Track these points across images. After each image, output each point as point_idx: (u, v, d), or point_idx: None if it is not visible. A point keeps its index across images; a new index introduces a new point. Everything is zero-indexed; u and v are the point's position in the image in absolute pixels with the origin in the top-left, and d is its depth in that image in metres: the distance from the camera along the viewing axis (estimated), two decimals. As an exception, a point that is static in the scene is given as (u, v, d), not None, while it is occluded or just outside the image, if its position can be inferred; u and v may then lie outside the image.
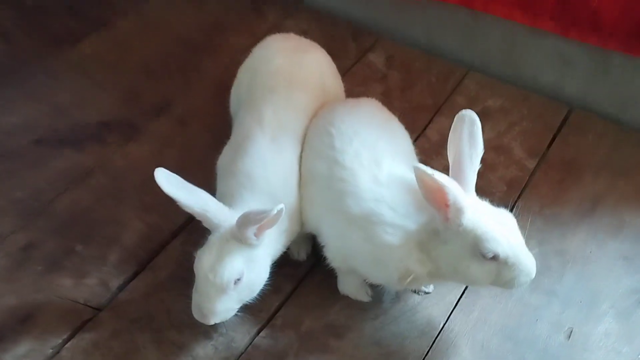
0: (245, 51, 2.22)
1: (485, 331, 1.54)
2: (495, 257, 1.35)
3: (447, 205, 1.34)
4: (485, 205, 1.41)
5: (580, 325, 1.55)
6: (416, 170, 1.33)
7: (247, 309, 1.57)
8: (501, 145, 1.96)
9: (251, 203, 1.48)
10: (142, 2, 2.46)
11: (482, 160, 1.87)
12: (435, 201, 1.35)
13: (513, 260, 1.36)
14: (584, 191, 1.84)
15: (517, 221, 1.73)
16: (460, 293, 1.61)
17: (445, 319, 1.56)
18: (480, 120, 1.99)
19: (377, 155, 1.50)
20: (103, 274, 1.65)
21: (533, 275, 1.38)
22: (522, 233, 1.42)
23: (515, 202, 1.81)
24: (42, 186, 1.85)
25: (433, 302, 1.60)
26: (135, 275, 1.65)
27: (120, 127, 2.02)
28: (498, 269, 1.36)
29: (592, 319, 1.57)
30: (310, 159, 1.58)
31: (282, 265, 1.66)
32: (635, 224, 1.75)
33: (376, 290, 1.61)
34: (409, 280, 1.43)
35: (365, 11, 2.37)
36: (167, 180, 1.44)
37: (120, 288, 1.62)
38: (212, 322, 1.43)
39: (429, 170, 1.32)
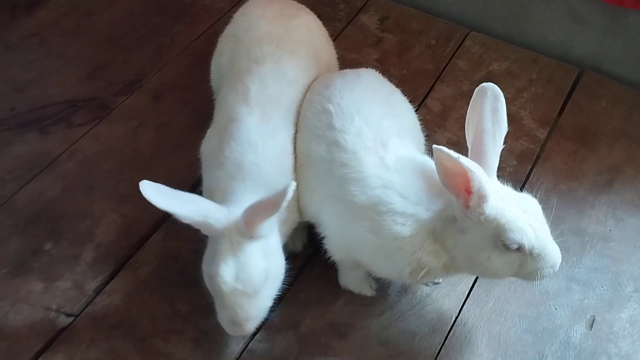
0: (224, 15, 2.02)
1: (502, 323, 1.42)
2: (520, 249, 1.21)
3: (468, 192, 1.18)
4: (508, 191, 1.26)
5: (603, 313, 1.44)
6: (437, 153, 1.16)
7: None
8: (509, 114, 1.71)
9: (245, 195, 1.30)
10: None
11: (489, 132, 1.75)
12: (455, 187, 1.20)
13: (539, 252, 1.22)
14: (601, 162, 1.70)
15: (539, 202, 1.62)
16: (472, 282, 1.48)
17: (458, 312, 1.43)
18: (486, 86, 1.88)
19: (382, 135, 1.33)
20: (77, 276, 1.48)
21: (558, 266, 1.25)
22: (546, 219, 1.27)
23: (527, 177, 1.67)
24: (1, 176, 1.65)
25: (443, 294, 1.46)
26: (113, 275, 1.48)
27: (88, 106, 1.81)
28: (522, 260, 1.23)
29: (615, 304, 1.45)
30: (307, 141, 1.40)
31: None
32: (656, 197, 1.63)
33: (381, 283, 1.47)
34: (422, 274, 1.29)
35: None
36: (156, 193, 1.23)
37: (97, 291, 1.46)
38: (251, 330, 1.28)
39: (452, 153, 1.16)
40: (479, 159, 1.24)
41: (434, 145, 1.18)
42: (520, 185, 1.65)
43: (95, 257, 1.51)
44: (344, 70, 1.52)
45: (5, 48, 1.93)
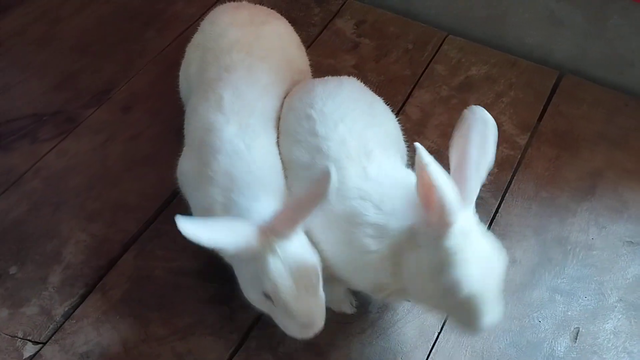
0: (195, 22, 1.97)
1: (485, 338, 1.39)
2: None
3: (433, 207, 1.13)
4: (479, 232, 1.16)
5: (587, 324, 1.41)
6: (417, 155, 1.10)
7: (217, 331, 1.38)
8: (489, 120, 1.76)
9: (250, 204, 1.24)
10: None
11: (469, 139, 1.72)
12: (425, 197, 1.13)
13: (478, 301, 1.12)
14: (582, 168, 1.67)
15: (512, 209, 1.59)
16: (455, 296, 1.44)
17: (440, 328, 1.40)
18: (465, 91, 1.84)
19: (366, 145, 1.29)
20: (44, 300, 1.42)
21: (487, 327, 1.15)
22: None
23: (509, 185, 1.63)
24: (-37, 196, 1.58)
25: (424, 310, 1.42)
26: (82, 298, 1.42)
27: (54, 120, 1.74)
28: (457, 303, 1.14)
29: (599, 315, 1.43)
30: (288, 146, 1.35)
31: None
32: (636, 204, 1.61)
33: (361, 299, 1.43)
34: (384, 294, 1.25)
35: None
36: (197, 229, 1.14)
37: (66, 316, 1.40)
38: (322, 326, 1.20)
39: (425, 156, 1.09)
40: (458, 184, 1.15)
41: (416, 144, 1.11)
42: (502, 193, 1.62)
43: (63, 280, 1.45)
44: (325, 78, 1.48)
45: (-31, 60, 1.86)
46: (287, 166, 1.35)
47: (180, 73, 1.60)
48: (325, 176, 1.12)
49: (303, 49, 1.64)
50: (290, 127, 1.37)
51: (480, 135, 1.17)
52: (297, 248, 1.19)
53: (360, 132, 1.31)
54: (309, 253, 1.21)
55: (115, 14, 2.02)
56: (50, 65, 1.88)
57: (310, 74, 1.63)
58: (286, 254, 1.17)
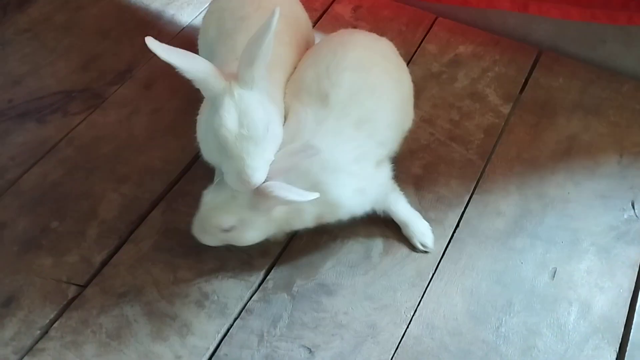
0: (204, 9, 2.14)
1: (474, 277, 1.57)
2: None
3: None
4: (251, 101, 1.35)
5: (563, 265, 1.60)
6: None
7: (238, 275, 1.56)
8: (476, 92, 1.96)
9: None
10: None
11: (459, 109, 1.91)
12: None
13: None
14: (559, 133, 1.86)
15: (497, 169, 1.78)
16: (447, 242, 1.63)
17: (434, 269, 1.58)
18: (454, 67, 2.04)
19: (352, 110, 1.49)
20: (83, 250, 1.59)
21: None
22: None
23: (494, 149, 1.82)
24: (5, 163, 1.75)
25: (421, 254, 1.61)
26: (117, 249, 1.60)
27: (82, 96, 1.92)
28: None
29: (574, 257, 1.61)
30: (305, 67, 1.56)
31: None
32: (608, 163, 1.79)
33: (365, 245, 1.61)
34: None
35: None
36: (161, 47, 1.30)
37: (104, 263, 1.57)
38: (258, 181, 1.32)
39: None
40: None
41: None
42: (488, 156, 1.81)
43: (99, 233, 1.62)
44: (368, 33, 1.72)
45: (1, 44, 2.02)
46: (295, 84, 1.53)
47: (199, 42, 1.73)
48: (270, 18, 1.28)
49: (306, 14, 1.78)
50: (319, 56, 1.56)
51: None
52: (254, 100, 1.32)
53: (372, 109, 1.51)
54: (264, 110, 1.34)
55: (132, 2, 2.20)
56: (75, 48, 2.05)
57: (314, 38, 1.79)
58: (242, 99, 1.31)
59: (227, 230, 1.44)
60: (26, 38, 2.07)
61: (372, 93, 1.54)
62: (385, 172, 1.59)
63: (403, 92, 1.66)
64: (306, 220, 1.50)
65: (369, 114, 1.52)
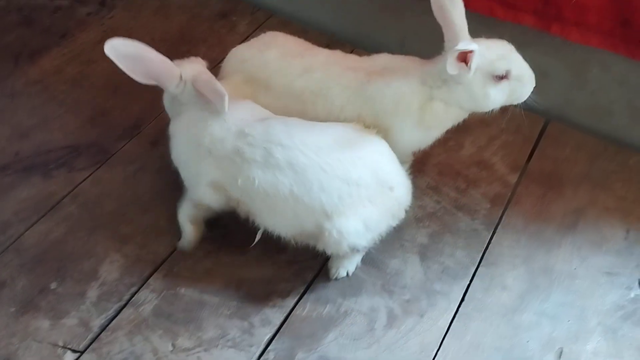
0: (215, 65, 2.17)
1: (479, 355, 1.54)
2: None
3: None
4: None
5: (570, 345, 1.57)
6: None
7: (238, 344, 1.53)
8: (483, 160, 1.96)
9: None
10: (104, 13, 2.35)
11: (465, 177, 1.91)
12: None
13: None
14: (566, 205, 1.86)
15: (503, 240, 1.77)
16: (452, 317, 1.60)
17: (439, 345, 1.55)
18: (461, 133, 2.04)
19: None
20: (82, 313, 1.56)
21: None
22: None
23: (500, 219, 1.81)
24: (8, 218, 1.74)
25: (425, 328, 1.58)
26: (117, 313, 1.57)
27: (89, 151, 1.92)
28: None
29: (581, 337, 1.58)
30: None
31: (270, 296, 1.62)
32: (614, 238, 1.78)
33: (368, 317, 1.59)
34: None
35: (338, 20, 2.33)
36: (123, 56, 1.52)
37: (102, 327, 1.54)
38: None
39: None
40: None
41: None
42: (494, 227, 1.79)
43: (100, 295, 1.60)
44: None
45: (11, 95, 2.03)
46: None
47: None
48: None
49: None
50: None
51: None
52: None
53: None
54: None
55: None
56: (84, 102, 2.06)
57: None
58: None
59: None
60: (36, 90, 2.08)
61: None
62: None
63: None
64: None
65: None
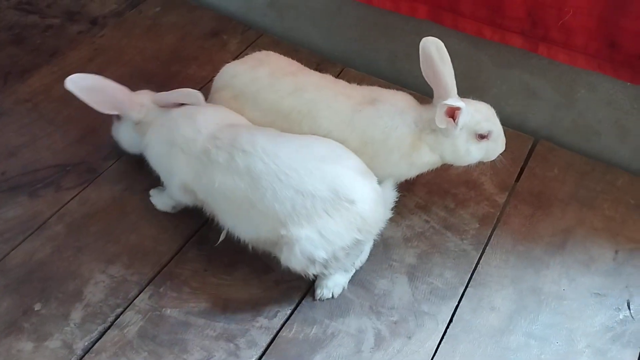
0: (206, 83, 2.17)
1: (467, 377, 1.53)
2: None
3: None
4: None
5: (558, 367, 1.56)
6: None
7: (223, 367, 1.52)
8: (471, 180, 1.96)
9: None
10: (95, 32, 2.35)
11: (454, 196, 1.91)
12: None
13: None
14: (554, 225, 1.85)
15: (491, 260, 1.76)
16: (440, 338, 1.59)
17: (427, 367, 1.54)
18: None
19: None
20: (66, 335, 1.55)
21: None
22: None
23: (489, 239, 1.81)
24: (-7, 238, 1.73)
25: (413, 350, 1.57)
26: (101, 335, 1.55)
27: (77, 170, 1.91)
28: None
29: (569, 359, 1.57)
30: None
31: (256, 317, 1.61)
32: (603, 259, 1.78)
33: (356, 338, 1.57)
34: None
35: (329, 40, 2.34)
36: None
37: (86, 350, 1.53)
38: None
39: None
40: (441, 89, 1.62)
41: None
42: (483, 247, 1.79)
43: (84, 317, 1.58)
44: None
45: (1, 115, 2.03)
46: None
47: None
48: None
49: None
50: None
51: (437, 50, 1.58)
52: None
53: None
54: None
55: (132, 77, 2.21)
56: (73, 121, 2.05)
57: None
58: None
59: None
60: (25, 108, 2.07)
61: None
62: None
63: None
64: None
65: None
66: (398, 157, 1.67)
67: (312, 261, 1.50)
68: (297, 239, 1.47)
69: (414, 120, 1.66)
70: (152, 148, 1.71)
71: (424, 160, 1.69)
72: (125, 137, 1.82)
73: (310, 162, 1.51)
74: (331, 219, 1.47)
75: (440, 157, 1.69)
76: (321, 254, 1.49)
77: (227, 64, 1.83)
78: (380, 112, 1.66)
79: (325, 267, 1.52)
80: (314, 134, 1.65)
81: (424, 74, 1.62)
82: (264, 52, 1.84)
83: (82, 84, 1.64)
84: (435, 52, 1.58)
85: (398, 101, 1.69)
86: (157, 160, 1.72)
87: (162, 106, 1.72)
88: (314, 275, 1.56)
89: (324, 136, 1.65)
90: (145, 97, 1.75)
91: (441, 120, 1.59)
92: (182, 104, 1.70)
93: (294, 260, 1.50)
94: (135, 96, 1.73)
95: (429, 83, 1.64)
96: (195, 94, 1.65)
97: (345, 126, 1.66)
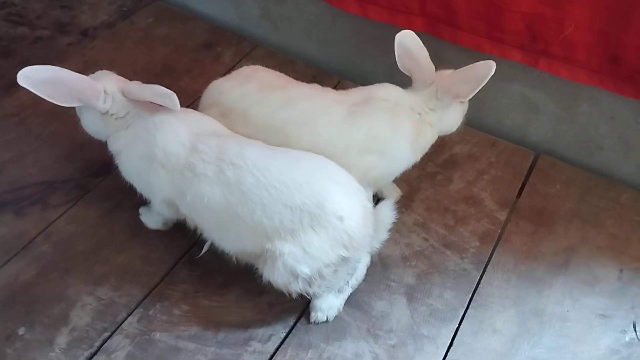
0: (198, 97, 2.12)
1: (468, 404, 1.47)
2: None
3: None
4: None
5: (563, 393, 1.50)
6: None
7: (214, 395, 1.45)
8: (471, 196, 1.90)
9: None
10: (85, 43, 2.30)
11: (454, 213, 1.85)
12: None
13: None
14: (557, 243, 1.80)
15: (493, 280, 1.71)
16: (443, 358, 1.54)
17: (426, 393, 1.48)
18: (449, 168, 1.99)
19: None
20: (50, 362, 1.49)
21: None
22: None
23: (490, 258, 1.75)
24: (-24, 259, 1.66)
25: (412, 375, 1.51)
26: (87, 360, 1.50)
27: (65, 187, 1.85)
28: None
29: (574, 384, 1.52)
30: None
31: (249, 341, 1.55)
32: (607, 278, 1.72)
33: (357, 353, 1.52)
34: None
35: (325, 51, 2.29)
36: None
37: (71, 377, 1.47)
38: None
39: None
40: (422, 72, 1.66)
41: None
42: (484, 266, 1.73)
43: (70, 342, 1.52)
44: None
45: (-14, 129, 1.97)
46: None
47: None
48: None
49: None
50: None
51: (411, 40, 1.64)
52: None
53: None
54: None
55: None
56: (61, 136, 2.00)
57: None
58: None
59: None
60: (12, 123, 2.02)
61: None
62: None
63: None
64: None
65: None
66: (407, 144, 1.67)
67: (295, 276, 1.45)
68: (280, 254, 1.43)
69: (410, 106, 1.68)
70: (128, 163, 1.60)
71: (428, 138, 1.72)
72: (91, 127, 1.66)
73: (300, 177, 1.47)
74: (316, 235, 1.43)
75: (439, 132, 1.74)
76: (304, 270, 1.44)
77: (214, 81, 1.78)
78: (380, 107, 1.66)
79: (310, 284, 1.46)
80: (313, 144, 1.61)
81: (400, 65, 1.67)
82: (251, 67, 1.79)
83: (36, 77, 1.45)
84: (411, 43, 1.64)
85: (389, 93, 1.70)
86: (133, 176, 1.62)
87: (132, 99, 1.56)
88: (307, 294, 1.50)
89: (325, 144, 1.62)
90: (108, 82, 1.57)
91: (456, 94, 1.65)
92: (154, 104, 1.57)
93: (276, 274, 1.46)
94: (96, 84, 1.55)
95: (406, 72, 1.69)
96: (170, 96, 1.50)
97: (348, 129, 1.62)
